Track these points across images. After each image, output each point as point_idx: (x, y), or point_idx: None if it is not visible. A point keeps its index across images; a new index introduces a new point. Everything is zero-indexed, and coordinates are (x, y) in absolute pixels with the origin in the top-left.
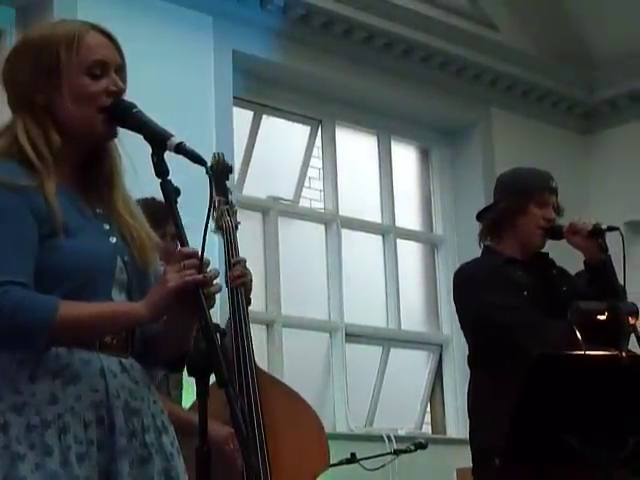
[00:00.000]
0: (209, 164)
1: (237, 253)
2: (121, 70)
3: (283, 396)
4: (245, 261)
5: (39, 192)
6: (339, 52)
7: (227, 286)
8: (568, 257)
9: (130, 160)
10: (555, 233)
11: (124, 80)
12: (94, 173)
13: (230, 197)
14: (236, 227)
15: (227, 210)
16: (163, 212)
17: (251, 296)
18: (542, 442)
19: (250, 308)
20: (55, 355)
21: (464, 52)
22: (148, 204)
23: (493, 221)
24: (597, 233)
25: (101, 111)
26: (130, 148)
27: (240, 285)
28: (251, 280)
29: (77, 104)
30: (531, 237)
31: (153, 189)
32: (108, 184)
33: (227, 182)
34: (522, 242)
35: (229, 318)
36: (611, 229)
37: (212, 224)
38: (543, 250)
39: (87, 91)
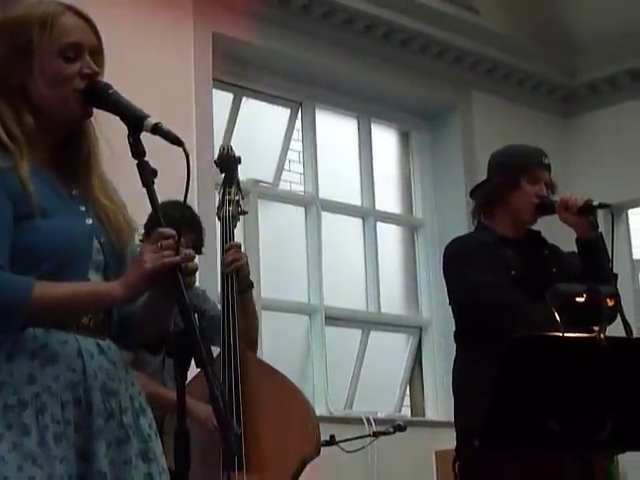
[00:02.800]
0: (216, 156)
1: (232, 240)
2: (97, 52)
3: (272, 379)
4: (239, 245)
5: (13, 173)
6: (319, 35)
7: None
8: (562, 235)
9: (108, 143)
10: (547, 208)
11: (100, 63)
12: (71, 155)
13: (234, 188)
14: (235, 216)
15: (228, 200)
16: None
17: (250, 278)
18: (520, 424)
19: None
20: (32, 335)
21: (445, 35)
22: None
23: (486, 197)
24: (588, 209)
25: (75, 92)
26: (108, 130)
27: (234, 270)
28: (247, 264)
29: (50, 86)
30: (522, 213)
31: (132, 172)
32: (85, 166)
33: (235, 173)
34: (514, 218)
35: (221, 306)
36: (602, 206)
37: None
38: (535, 229)
39: (60, 73)
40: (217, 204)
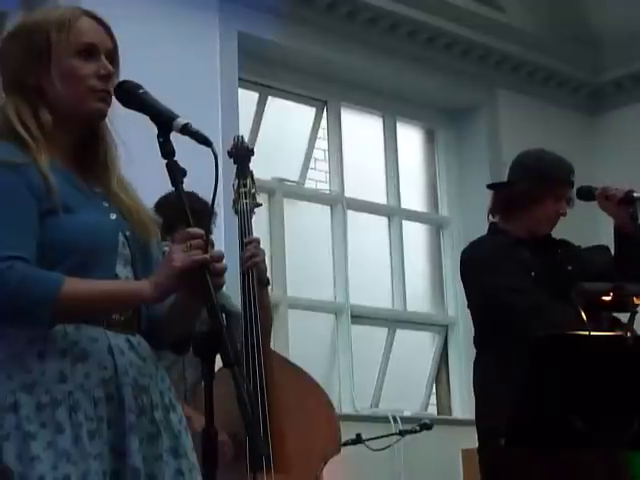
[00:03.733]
0: (230, 148)
1: (250, 234)
2: (112, 55)
3: (294, 378)
4: (258, 241)
5: (34, 169)
6: (344, 33)
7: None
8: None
9: (125, 146)
10: (586, 195)
11: (116, 65)
12: (88, 157)
13: (249, 180)
14: (252, 209)
15: (244, 193)
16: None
17: (268, 276)
18: (546, 423)
19: None
20: (63, 333)
21: (470, 33)
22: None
23: (507, 200)
24: (629, 201)
25: (91, 91)
26: (125, 133)
27: (252, 265)
28: (264, 260)
29: (67, 84)
30: (539, 226)
31: (150, 172)
32: (103, 167)
33: (249, 164)
34: (530, 228)
35: (241, 303)
36: None
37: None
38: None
39: (76, 72)
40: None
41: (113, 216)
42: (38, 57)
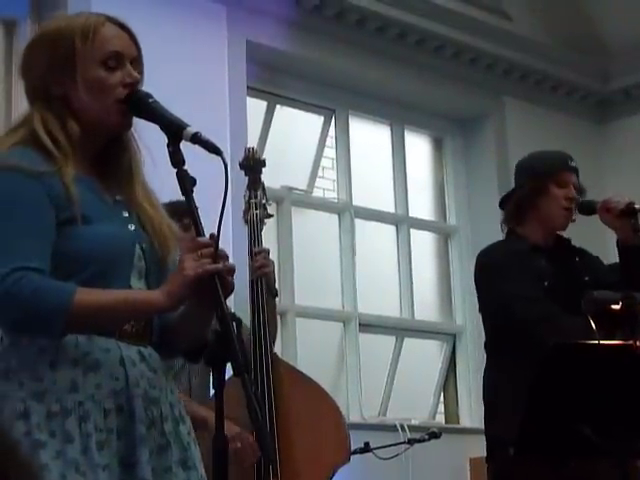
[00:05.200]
0: (242, 159)
1: (260, 245)
2: (137, 61)
3: (304, 386)
4: (268, 251)
5: (57, 178)
6: (352, 42)
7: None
8: (591, 242)
9: (149, 152)
10: (587, 208)
11: (140, 71)
12: (113, 165)
13: (260, 191)
14: (262, 220)
15: (254, 204)
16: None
17: (276, 286)
18: (556, 432)
19: None
20: (75, 343)
21: (477, 42)
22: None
23: (516, 205)
24: (630, 212)
25: (118, 102)
26: (149, 139)
27: (261, 275)
28: (274, 271)
29: (92, 95)
30: (554, 218)
31: (172, 180)
32: (127, 174)
33: (260, 175)
34: (545, 224)
35: (250, 311)
36: None
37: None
38: (565, 237)
39: (103, 83)
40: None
41: (132, 227)
42: (63, 66)
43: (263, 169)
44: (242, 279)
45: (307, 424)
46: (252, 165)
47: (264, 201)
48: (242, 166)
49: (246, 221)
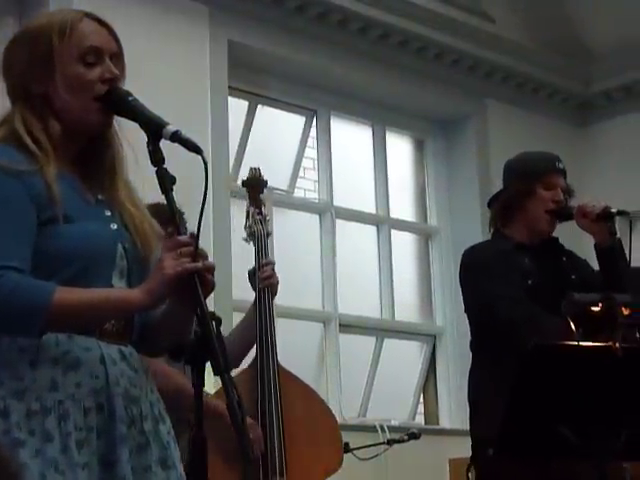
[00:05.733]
0: (246, 178)
1: (267, 256)
2: (117, 57)
3: (302, 394)
4: (274, 263)
5: (39, 177)
6: (334, 42)
7: (256, 288)
8: (581, 241)
9: (132, 149)
10: (564, 214)
11: (121, 67)
12: (95, 162)
13: (264, 208)
14: (268, 234)
15: (260, 220)
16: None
17: (275, 299)
18: (535, 433)
19: (243, 297)
20: (55, 342)
21: (460, 44)
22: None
23: (503, 206)
24: (606, 216)
25: (97, 99)
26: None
27: (268, 286)
28: (277, 283)
29: (72, 93)
30: (539, 221)
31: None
32: (109, 173)
33: (262, 195)
34: (530, 226)
35: (256, 317)
36: (621, 213)
37: (244, 232)
38: (553, 235)
39: (81, 79)
40: (247, 222)
41: (114, 226)
42: (42, 64)
43: (243, 168)
44: (222, 280)
45: (304, 432)
46: (256, 184)
47: (268, 218)
48: (245, 184)
49: (251, 234)
